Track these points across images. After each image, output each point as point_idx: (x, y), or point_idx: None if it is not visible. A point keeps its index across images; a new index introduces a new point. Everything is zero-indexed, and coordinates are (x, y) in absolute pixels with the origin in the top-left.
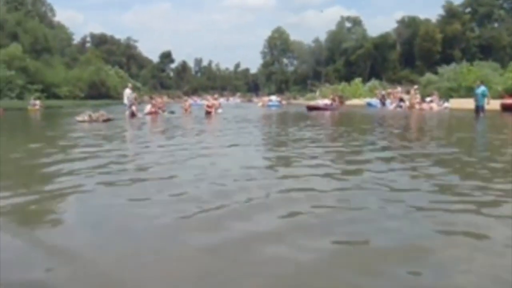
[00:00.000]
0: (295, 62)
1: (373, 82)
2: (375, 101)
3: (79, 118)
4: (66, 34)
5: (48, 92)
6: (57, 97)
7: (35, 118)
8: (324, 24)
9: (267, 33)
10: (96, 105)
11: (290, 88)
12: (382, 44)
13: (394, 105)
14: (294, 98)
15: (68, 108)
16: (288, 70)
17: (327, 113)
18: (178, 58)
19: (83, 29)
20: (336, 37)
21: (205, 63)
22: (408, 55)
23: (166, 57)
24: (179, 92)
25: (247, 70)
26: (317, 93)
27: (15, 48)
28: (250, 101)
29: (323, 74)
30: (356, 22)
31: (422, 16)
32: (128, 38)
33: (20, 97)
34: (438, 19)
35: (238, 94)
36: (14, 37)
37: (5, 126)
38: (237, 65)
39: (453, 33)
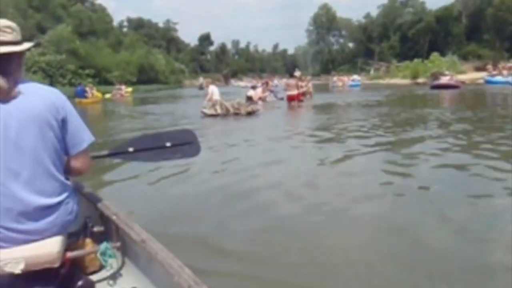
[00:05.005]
0: (341, 40)
1: (451, 57)
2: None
3: (207, 110)
4: (108, 17)
5: (99, 77)
6: (108, 82)
7: (129, 106)
8: (356, 4)
9: (299, 13)
10: (149, 90)
11: (337, 68)
12: (445, 17)
13: None
14: None
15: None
16: (334, 49)
17: (463, 92)
18: (215, 41)
19: (116, 15)
20: (390, 12)
21: (242, 45)
22: (474, 28)
23: (205, 39)
24: (219, 75)
25: (285, 51)
26: (371, 72)
27: (62, 29)
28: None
29: (377, 51)
30: None
31: None
32: (168, 21)
33: (71, 83)
34: None
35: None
36: (58, 20)
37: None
38: (276, 46)
39: None
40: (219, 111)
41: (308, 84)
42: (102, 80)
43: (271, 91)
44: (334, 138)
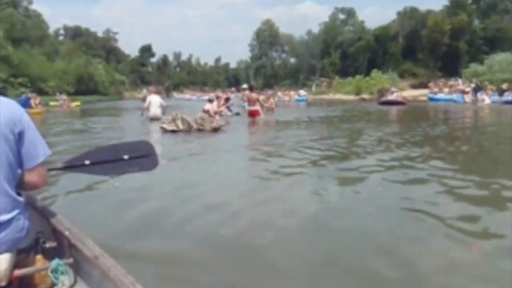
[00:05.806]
0: (284, 55)
1: (391, 74)
2: (457, 96)
3: (167, 126)
4: (43, 24)
5: (34, 86)
6: (43, 92)
7: (78, 119)
8: (297, 20)
9: (241, 28)
10: (89, 101)
11: (279, 83)
12: (383, 36)
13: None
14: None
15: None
16: (276, 64)
17: (411, 109)
18: (156, 53)
19: (52, 23)
20: (331, 29)
21: (184, 57)
22: (410, 48)
23: (146, 50)
24: (160, 87)
25: (227, 64)
26: (314, 87)
27: None
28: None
29: (318, 67)
30: (351, 13)
31: (421, 7)
32: (107, 31)
33: (2, 93)
34: (444, 10)
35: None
36: None
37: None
38: (218, 60)
39: (460, 25)
40: (180, 126)
41: (270, 99)
42: (37, 90)
43: (227, 106)
44: (318, 160)
